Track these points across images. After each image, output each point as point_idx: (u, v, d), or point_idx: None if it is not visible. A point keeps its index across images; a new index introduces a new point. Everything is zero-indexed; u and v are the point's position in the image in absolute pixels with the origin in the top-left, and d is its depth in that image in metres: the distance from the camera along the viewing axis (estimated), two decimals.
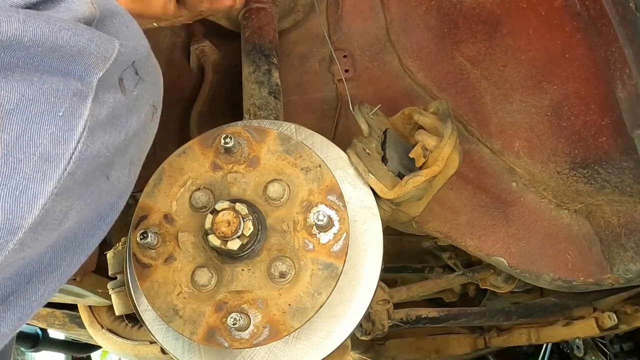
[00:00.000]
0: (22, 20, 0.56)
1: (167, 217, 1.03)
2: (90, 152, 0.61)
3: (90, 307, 1.76)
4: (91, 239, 0.68)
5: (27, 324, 1.83)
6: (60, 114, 0.58)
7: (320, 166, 1.03)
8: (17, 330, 0.62)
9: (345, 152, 1.10)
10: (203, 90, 1.59)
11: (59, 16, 0.59)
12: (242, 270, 1.01)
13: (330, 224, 1.00)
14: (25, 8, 0.58)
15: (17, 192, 0.56)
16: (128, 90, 0.65)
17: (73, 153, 0.59)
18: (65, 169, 0.59)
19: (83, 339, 2.09)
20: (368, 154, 1.08)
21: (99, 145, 0.62)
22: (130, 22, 0.69)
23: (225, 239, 0.96)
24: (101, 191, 0.65)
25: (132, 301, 1.07)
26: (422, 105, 1.20)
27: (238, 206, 0.97)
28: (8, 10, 0.56)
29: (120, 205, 0.71)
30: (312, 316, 0.99)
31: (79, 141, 0.59)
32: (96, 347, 2.58)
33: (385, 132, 1.16)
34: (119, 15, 0.67)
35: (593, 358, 2.64)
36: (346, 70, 1.34)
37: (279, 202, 1.02)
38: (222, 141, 1.02)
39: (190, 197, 1.03)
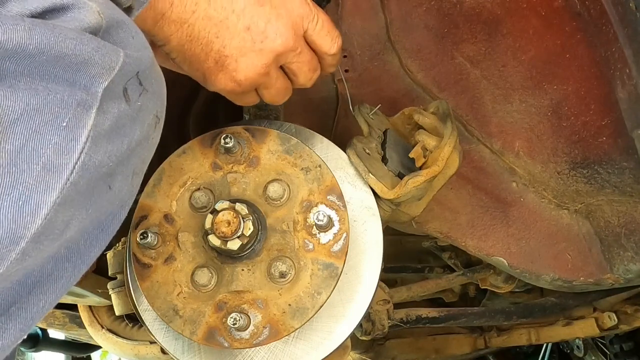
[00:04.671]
0: (27, 29, 0.56)
1: (167, 217, 1.03)
2: (93, 162, 0.61)
3: (90, 307, 1.76)
4: (92, 249, 0.68)
5: None
6: (64, 124, 0.59)
7: (320, 166, 1.04)
8: (19, 342, 0.63)
9: (345, 152, 1.10)
10: (203, 90, 1.59)
11: (65, 25, 0.60)
12: (242, 270, 1.01)
13: (330, 224, 1.00)
14: (31, 17, 0.58)
15: (20, 202, 0.56)
16: (132, 100, 0.66)
17: (76, 163, 0.59)
18: (68, 179, 0.59)
19: (83, 339, 2.09)
20: (368, 154, 1.08)
21: (102, 155, 0.62)
22: (135, 33, 0.69)
23: (225, 239, 0.96)
24: (103, 201, 0.66)
25: (132, 301, 1.07)
26: (422, 105, 1.20)
27: (238, 206, 0.97)
28: (14, 18, 0.56)
29: (122, 215, 0.72)
30: (312, 316, 0.99)
31: (82, 151, 0.60)
32: (96, 347, 2.57)
33: (385, 132, 1.16)
34: (125, 25, 0.67)
35: (593, 358, 2.64)
36: (346, 70, 1.34)
37: (279, 202, 1.02)
38: (222, 141, 1.02)
39: (190, 197, 1.03)
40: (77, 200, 0.61)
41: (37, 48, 0.57)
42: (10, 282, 0.60)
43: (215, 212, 0.98)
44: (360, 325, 1.24)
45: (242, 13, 0.90)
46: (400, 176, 1.08)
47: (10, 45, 0.55)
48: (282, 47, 0.93)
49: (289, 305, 0.99)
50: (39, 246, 0.59)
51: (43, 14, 0.60)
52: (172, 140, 1.55)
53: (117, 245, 1.20)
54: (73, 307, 1.84)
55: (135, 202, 1.03)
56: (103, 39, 0.63)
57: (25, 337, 0.63)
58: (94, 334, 1.76)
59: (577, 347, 2.59)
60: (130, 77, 0.65)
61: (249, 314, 0.99)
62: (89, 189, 0.62)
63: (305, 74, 1.00)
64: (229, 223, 0.96)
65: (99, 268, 1.62)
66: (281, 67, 0.99)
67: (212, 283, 1.00)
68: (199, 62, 0.94)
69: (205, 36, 0.90)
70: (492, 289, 1.68)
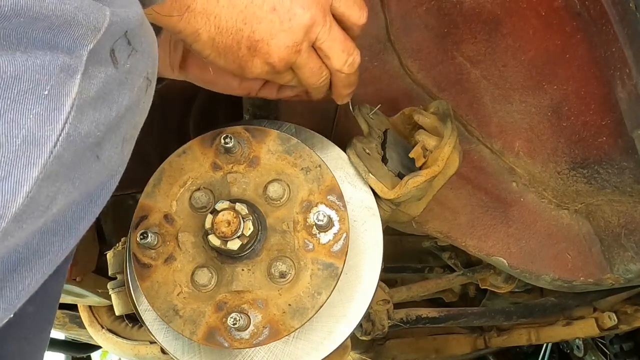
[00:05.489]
0: None
1: (167, 217, 1.03)
2: (79, 133, 0.57)
3: (90, 307, 1.76)
4: (81, 222, 0.64)
5: None
6: (46, 92, 0.54)
7: (320, 166, 1.04)
8: (3, 322, 0.58)
9: (345, 152, 1.10)
10: (203, 90, 1.59)
11: None
12: (242, 270, 1.01)
13: (330, 224, 1.00)
14: None
15: None
16: (120, 62, 0.60)
17: (60, 135, 0.55)
18: (52, 152, 0.54)
19: (83, 339, 2.09)
20: (368, 154, 1.08)
21: (89, 124, 0.58)
22: None
23: (225, 239, 0.96)
24: (91, 172, 0.61)
25: (132, 301, 1.07)
26: (422, 105, 1.20)
27: (238, 206, 0.97)
28: None
29: (112, 185, 0.67)
30: (312, 316, 0.99)
31: (66, 121, 0.55)
32: (96, 347, 2.58)
33: (385, 132, 1.16)
34: None
35: (593, 358, 2.64)
36: None
37: (279, 202, 1.02)
38: (222, 141, 1.02)
39: (190, 197, 1.03)
40: (63, 173, 0.57)
41: (13, 9, 0.51)
42: None
43: (215, 212, 0.98)
44: (360, 325, 1.24)
45: None
46: (400, 176, 1.08)
47: None
48: (310, 20, 0.91)
49: (289, 305, 0.99)
50: (21, 225, 0.54)
51: None
52: (172, 140, 1.56)
53: (117, 245, 1.20)
54: (73, 307, 1.85)
55: (135, 202, 1.04)
56: None
57: (11, 316, 0.59)
58: (94, 334, 1.77)
59: (577, 347, 2.59)
60: (117, 37, 0.60)
61: (249, 314, 0.99)
62: (75, 160, 0.58)
63: (339, 56, 0.97)
64: (229, 223, 0.96)
65: (99, 268, 1.62)
66: (314, 49, 0.97)
67: (212, 283, 1.00)
68: (232, 52, 0.92)
69: (233, 25, 0.89)
70: (492, 289, 1.68)
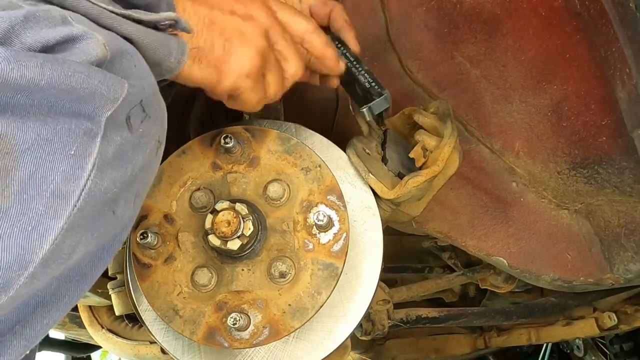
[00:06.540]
0: (39, 65, 0.59)
1: (167, 217, 1.03)
2: (99, 189, 0.64)
3: (90, 307, 1.76)
4: (95, 270, 0.71)
5: None
6: (72, 152, 0.61)
7: (320, 166, 1.04)
8: (22, 356, 0.65)
9: (345, 152, 1.10)
10: (203, 90, 1.59)
11: (73, 59, 0.63)
12: (242, 270, 1.01)
13: (330, 224, 1.00)
14: (44, 48, 0.62)
15: (30, 228, 0.59)
16: (134, 127, 0.69)
17: (83, 190, 0.62)
18: (75, 205, 0.61)
19: (83, 339, 2.09)
20: (368, 154, 1.08)
21: (107, 181, 0.65)
22: (138, 61, 0.72)
23: (225, 239, 0.96)
24: (107, 225, 0.69)
25: (132, 301, 1.07)
26: (422, 105, 1.20)
27: (238, 206, 0.97)
28: (26, 54, 0.59)
29: (123, 237, 0.74)
30: (312, 316, 0.99)
31: (88, 178, 0.62)
32: (96, 347, 2.57)
33: (385, 132, 1.16)
34: (128, 54, 0.71)
35: (593, 358, 2.64)
36: None
37: (279, 202, 1.02)
38: (222, 141, 1.02)
39: (190, 197, 1.03)
40: (84, 225, 0.64)
41: (48, 83, 0.60)
42: (17, 303, 0.62)
43: (215, 212, 0.98)
44: (360, 325, 1.24)
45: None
46: (400, 176, 1.08)
47: (23, 81, 0.58)
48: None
49: (289, 305, 0.99)
50: (46, 270, 0.61)
51: (54, 47, 0.63)
52: (172, 140, 1.55)
53: None
54: (73, 307, 1.84)
55: None
56: (107, 70, 0.66)
57: (28, 352, 0.66)
58: (94, 334, 1.76)
59: (577, 347, 2.59)
60: (133, 105, 0.68)
61: (249, 314, 0.99)
62: (95, 214, 0.65)
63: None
64: (229, 223, 0.96)
65: None
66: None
67: (212, 283, 1.00)
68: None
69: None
70: (492, 289, 1.68)
